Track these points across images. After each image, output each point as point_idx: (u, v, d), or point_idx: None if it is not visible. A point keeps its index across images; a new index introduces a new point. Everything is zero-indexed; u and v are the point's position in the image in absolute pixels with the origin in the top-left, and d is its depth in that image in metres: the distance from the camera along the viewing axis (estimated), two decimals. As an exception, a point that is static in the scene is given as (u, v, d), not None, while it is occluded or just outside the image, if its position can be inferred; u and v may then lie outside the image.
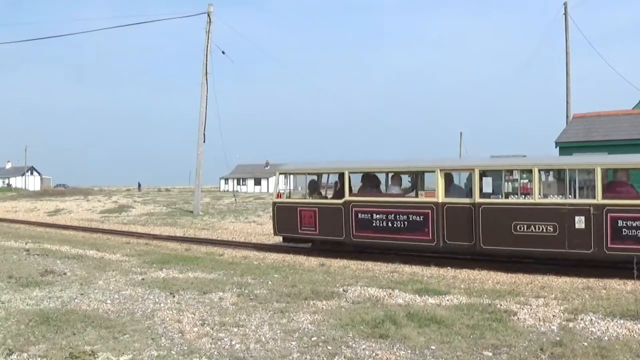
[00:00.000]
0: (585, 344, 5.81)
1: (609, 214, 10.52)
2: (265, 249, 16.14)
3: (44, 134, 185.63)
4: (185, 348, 5.77)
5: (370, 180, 14.15)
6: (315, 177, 14.98)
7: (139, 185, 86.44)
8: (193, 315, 7.07)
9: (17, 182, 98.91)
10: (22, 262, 11.81)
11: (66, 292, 8.56)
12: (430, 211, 12.33)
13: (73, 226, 25.00)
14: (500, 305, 7.61)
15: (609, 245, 10.53)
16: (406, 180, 14.01)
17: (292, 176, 15.78)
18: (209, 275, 10.20)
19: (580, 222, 10.73)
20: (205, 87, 29.63)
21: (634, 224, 10.31)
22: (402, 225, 12.66)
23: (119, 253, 13.75)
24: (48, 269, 10.60)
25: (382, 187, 14.22)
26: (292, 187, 15.77)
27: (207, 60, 29.74)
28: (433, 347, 5.74)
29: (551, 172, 11.76)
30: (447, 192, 12.36)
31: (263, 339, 6.08)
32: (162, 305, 7.68)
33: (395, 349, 5.71)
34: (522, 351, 5.62)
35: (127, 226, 25.17)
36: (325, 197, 14.73)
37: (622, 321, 6.66)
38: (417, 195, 13.13)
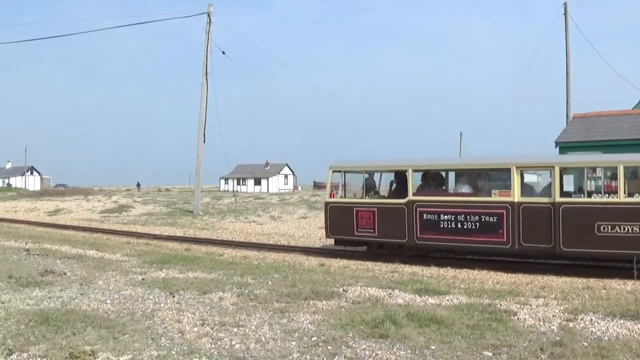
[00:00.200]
0: (585, 344, 5.82)
1: None
2: (266, 249, 16.16)
3: (44, 134, 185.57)
4: (185, 348, 5.77)
5: (432, 179, 13.43)
6: (367, 175, 14.11)
7: (138, 184, 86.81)
8: (193, 315, 7.07)
9: (17, 182, 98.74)
10: (22, 262, 11.81)
11: (66, 292, 8.56)
12: (505, 211, 11.66)
13: (73, 226, 25.02)
14: (500, 305, 7.62)
15: None
16: (474, 178, 12.96)
17: (345, 174, 14.53)
18: (209, 275, 10.20)
19: None
20: (205, 87, 29.67)
21: None
22: (473, 227, 12.00)
23: (119, 253, 13.75)
24: (48, 269, 10.61)
25: (445, 186, 13.46)
26: (344, 185, 14.57)
27: (207, 61, 29.79)
28: (433, 347, 5.75)
29: (638, 170, 11.30)
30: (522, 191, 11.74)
31: (263, 339, 6.08)
32: (162, 305, 7.68)
33: (395, 349, 5.71)
34: (522, 351, 5.63)
35: (127, 226, 25.19)
36: (383, 197, 13.93)
37: (622, 321, 6.66)
38: (489, 194, 12.20)
